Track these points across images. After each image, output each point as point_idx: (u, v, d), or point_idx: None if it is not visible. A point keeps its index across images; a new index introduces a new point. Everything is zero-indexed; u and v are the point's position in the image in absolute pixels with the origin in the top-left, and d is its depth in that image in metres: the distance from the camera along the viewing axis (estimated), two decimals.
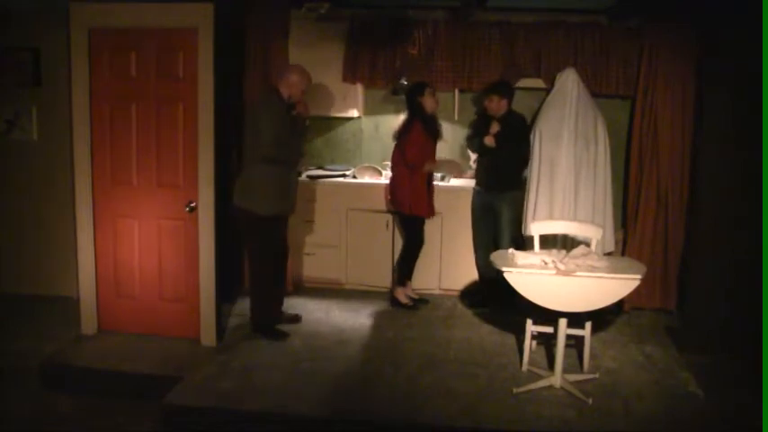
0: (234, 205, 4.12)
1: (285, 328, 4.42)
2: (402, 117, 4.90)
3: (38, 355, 3.99)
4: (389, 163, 5.41)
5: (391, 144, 5.53)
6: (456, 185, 5.19)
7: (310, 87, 4.30)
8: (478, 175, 4.94)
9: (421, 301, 5.02)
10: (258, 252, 4.21)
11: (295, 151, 4.21)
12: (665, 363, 4.09)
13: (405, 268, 4.97)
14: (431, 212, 4.87)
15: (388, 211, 5.13)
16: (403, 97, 5.20)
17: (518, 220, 4.84)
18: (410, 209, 4.76)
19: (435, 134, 4.79)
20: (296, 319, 4.60)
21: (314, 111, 5.20)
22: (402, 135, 4.74)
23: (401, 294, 4.98)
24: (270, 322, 4.34)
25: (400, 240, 5.15)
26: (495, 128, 4.64)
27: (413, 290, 5.05)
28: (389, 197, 4.97)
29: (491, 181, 4.81)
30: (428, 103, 4.69)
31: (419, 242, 4.90)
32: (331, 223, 5.25)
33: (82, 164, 4.15)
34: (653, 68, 4.85)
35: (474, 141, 4.88)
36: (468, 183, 5.20)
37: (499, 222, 4.78)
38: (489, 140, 4.65)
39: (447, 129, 5.17)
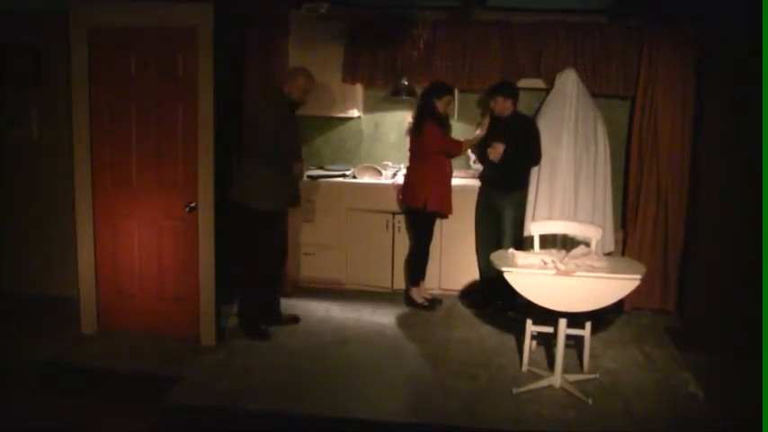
0: (232, 201, 4.11)
1: (284, 328, 4.42)
2: (412, 113, 4.85)
3: (38, 355, 3.99)
4: (390, 162, 5.43)
5: (391, 144, 5.57)
6: (456, 185, 5.18)
7: (314, 89, 4.33)
8: (484, 174, 4.94)
9: (435, 301, 5.01)
10: (252, 250, 4.21)
11: (295, 150, 4.27)
12: (664, 363, 4.09)
13: (418, 268, 4.97)
14: (451, 209, 4.85)
15: (399, 211, 5.11)
16: (404, 97, 5.22)
17: (521, 221, 4.82)
18: (432, 206, 4.71)
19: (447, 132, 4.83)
20: (294, 319, 4.59)
21: (314, 110, 5.23)
22: (417, 134, 4.71)
23: (416, 294, 4.97)
24: (255, 321, 4.33)
25: (400, 240, 5.15)
26: (499, 148, 4.61)
27: (425, 289, 5.05)
28: (402, 196, 4.96)
29: (496, 180, 4.80)
30: (441, 107, 4.69)
31: (429, 240, 4.90)
32: (331, 223, 5.24)
33: (82, 164, 4.15)
34: (653, 68, 4.85)
35: (479, 150, 4.91)
36: (468, 182, 5.20)
37: (502, 222, 4.78)
38: (494, 156, 4.65)
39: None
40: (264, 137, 4.07)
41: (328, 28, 5.19)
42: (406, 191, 4.90)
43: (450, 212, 4.85)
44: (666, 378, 3.87)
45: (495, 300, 4.87)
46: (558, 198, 4.75)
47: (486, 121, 4.80)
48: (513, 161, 4.68)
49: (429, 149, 4.67)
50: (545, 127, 4.77)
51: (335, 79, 5.29)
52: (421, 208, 4.75)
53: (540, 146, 4.71)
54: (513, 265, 3.51)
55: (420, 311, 4.90)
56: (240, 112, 4.48)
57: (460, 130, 5.37)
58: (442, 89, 4.72)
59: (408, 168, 4.91)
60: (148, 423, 3.45)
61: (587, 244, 3.91)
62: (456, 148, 4.76)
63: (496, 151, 4.62)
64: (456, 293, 5.20)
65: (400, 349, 4.22)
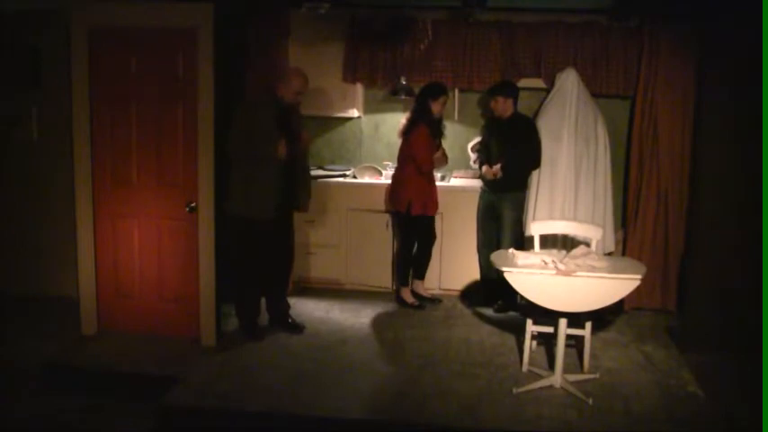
0: (224, 208, 4.08)
1: (285, 334, 4.40)
2: (407, 114, 4.85)
3: (38, 356, 3.99)
4: (390, 163, 5.43)
5: (392, 144, 5.56)
6: (456, 185, 5.19)
7: (307, 90, 4.29)
8: (483, 175, 4.93)
9: (432, 301, 5.01)
10: (247, 253, 4.18)
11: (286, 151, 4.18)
12: (665, 363, 4.09)
13: (404, 269, 4.98)
14: (435, 209, 4.85)
15: (387, 211, 5.12)
16: (403, 97, 5.22)
17: (520, 221, 4.83)
18: (415, 209, 4.71)
19: (439, 135, 4.80)
20: (298, 329, 4.45)
21: (314, 110, 5.22)
22: (406, 135, 4.74)
23: (406, 294, 4.98)
24: (251, 322, 4.32)
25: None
26: (497, 170, 4.64)
27: (425, 288, 5.06)
28: (389, 197, 4.97)
29: (495, 181, 4.79)
30: (436, 108, 4.69)
31: (431, 239, 4.92)
32: (331, 223, 5.24)
33: (82, 164, 4.15)
34: (653, 68, 4.85)
35: (479, 153, 4.99)
36: (469, 183, 5.20)
37: (501, 222, 4.78)
38: (490, 175, 4.68)
39: (447, 128, 5.14)
40: (235, 139, 4.00)
41: (328, 28, 5.19)
42: (392, 193, 4.90)
43: (434, 213, 4.86)
44: (666, 378, 3.87)
45: (495, 300, 4.87)
46: (558, 198, 4.75)
47: (497, 170, 4.68)
48: (513, 163, 4.68)
49: (416, 152, 4.68)
50: (545, 127, 4.77)
51: (335, 79, 5.28)
52: (403, 212, 4.76)
53: (541, 150, 4.70)
54: (513, 265, 3.51)
55: (420, 311, 4.89)
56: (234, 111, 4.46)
57: (460, 130, 5.39)
58: (438, 90, 4.72)
59: (396, 169, 4.91)
60: (148, 423, 3.45)
61: (587, 244, 3.91)
62: (424, 164, 4.70)
63: (492, 173, 4.66)
64: (456, 293, 5.20)
65: (400, 349, 4.22)
